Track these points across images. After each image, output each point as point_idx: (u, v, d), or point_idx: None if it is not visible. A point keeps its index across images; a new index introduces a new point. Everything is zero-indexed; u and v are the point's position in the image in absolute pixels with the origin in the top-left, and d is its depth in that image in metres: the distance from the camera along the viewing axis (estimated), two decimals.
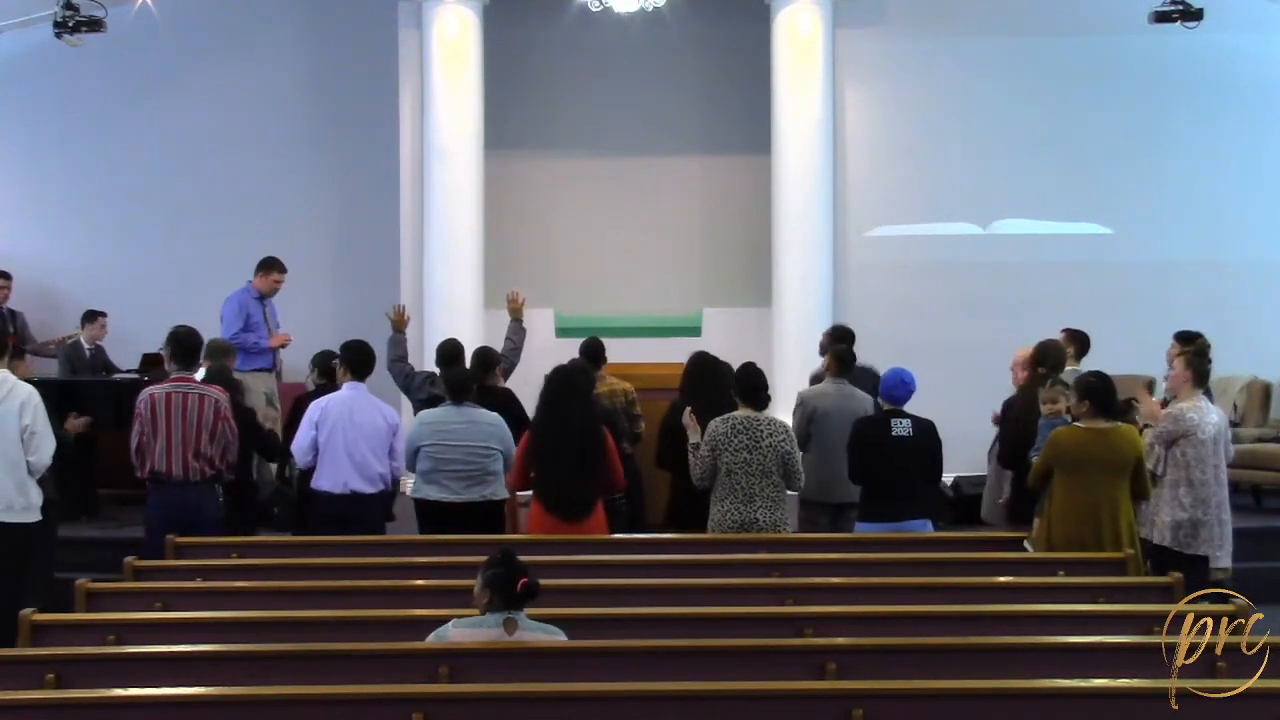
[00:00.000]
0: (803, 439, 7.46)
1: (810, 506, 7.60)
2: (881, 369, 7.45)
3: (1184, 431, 7.04)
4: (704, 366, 7.52)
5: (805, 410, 7.54)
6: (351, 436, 7.11)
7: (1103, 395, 6.66)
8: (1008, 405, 7.55)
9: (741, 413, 6.85)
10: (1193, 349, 7.64)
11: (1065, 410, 7.09)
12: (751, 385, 6.90)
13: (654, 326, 10.32)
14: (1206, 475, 7.09)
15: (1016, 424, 7.43)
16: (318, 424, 7.14)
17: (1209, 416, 7.17)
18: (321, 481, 7.17)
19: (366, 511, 7.15)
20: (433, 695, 4.31)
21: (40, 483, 6.92)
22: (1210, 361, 7.63)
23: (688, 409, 6.99)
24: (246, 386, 8.89)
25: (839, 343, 8.19)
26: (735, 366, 7.19)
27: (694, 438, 6.88)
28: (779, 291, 11.46)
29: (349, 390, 7.28)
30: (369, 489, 7.15)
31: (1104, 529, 6.54)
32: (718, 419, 6.84)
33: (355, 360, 7.36)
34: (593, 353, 8.19)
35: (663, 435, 7.52)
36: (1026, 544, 6.81)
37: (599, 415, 7.16)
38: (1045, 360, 7.59)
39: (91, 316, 10.78)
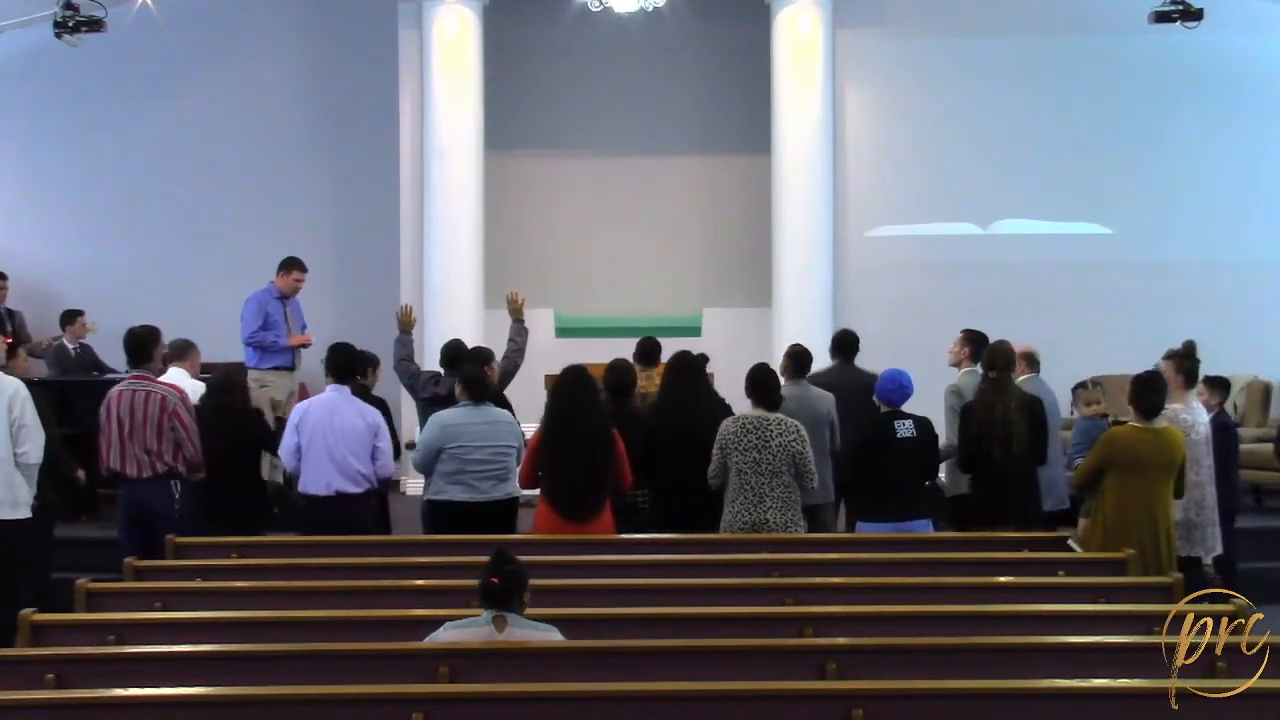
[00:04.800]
0: None
1: None
2: (881, 369, 7.44)
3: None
4: (686, 366, 7.46)
5: None
6: (331, 439, 7.11)
7: (1145, 394, 6.64)
8: (966, 409, 7.45)
9: (752, 413, 6.81)
10: (1180, 350, 7.60)
11: (1105, 412, 7.07)
12: (764, 386, 6.87)
13: (654, 326, 10.31)
14: (1201, 476, 7.09)
15: (981, 427, 7.23)
16: (299, 427, 7.16)
17: (1200, 417, 7.18)
18: (306, 484, 7.19)
19: (354, 512, 7.15)
20: (433, 695, 4.31)
21: (40, 486, 6.95)
22: (1199, 361, 7.59)
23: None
24: (267, 383, 8.98)
25: (846, 351, 8.23)
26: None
27: None
28: (779, 291, 11.47)
29: (331, 392, 7.30)
30: (354, 489, 7.16)
31: (1160, 526, 6.59)
32: (728, 419, 6.83)
33: (336, 363, 7.39)
34: (646, 352, 8.20)
35: (647, 437, 7.35)
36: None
37: (612, 415, 7.13)
38: (995, 363, 7.31)
39: (71, 316, 10.73)
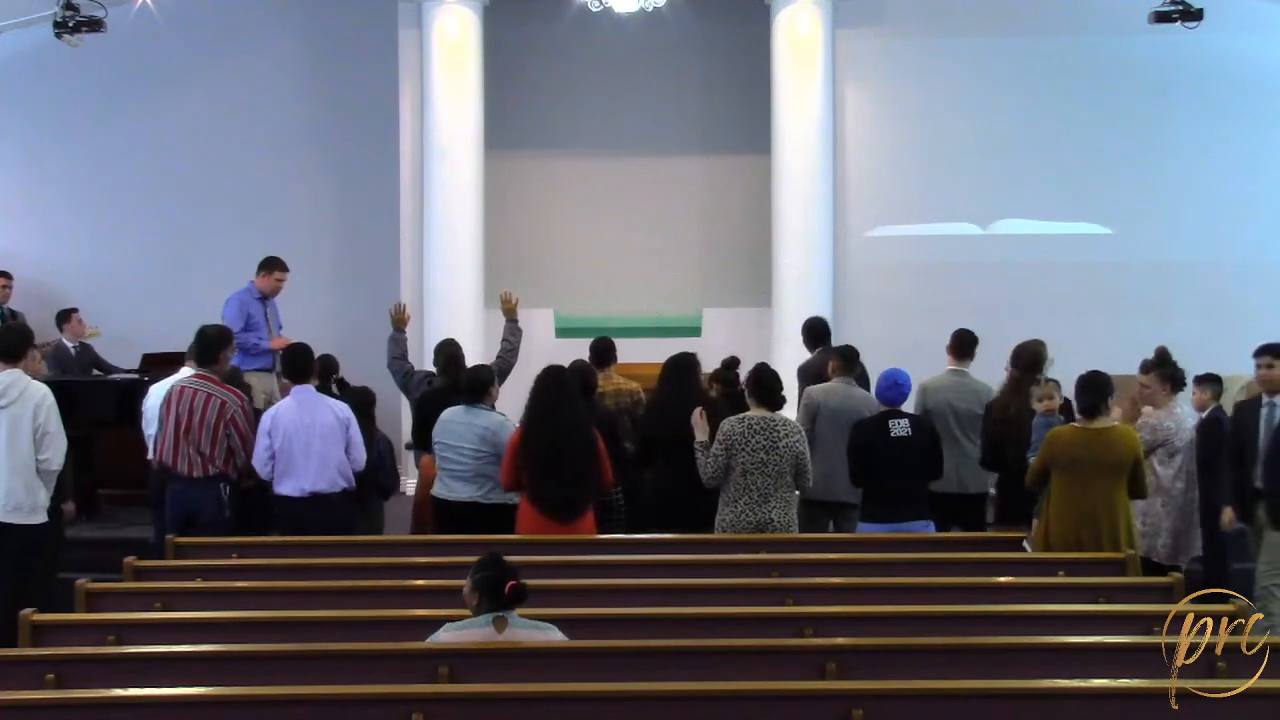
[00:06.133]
0: (808, 437, 7.44)
1: (811, 505, 7.60)
2: (881, 369, 7.44)
3: (1161, 440, 7.02)
4: (680, 368, 7.46)
5: (811, 408, 7.53)
6: (303, 439, 7.10)
7: (1082, 394, 6.62)
8: (988, 408, 7.51)
9: (756, 413, 6.79)
10: (1154, 360, 7.61)
11: (1059, 408, 7.07)
12: (768, 386, 6.86)
13: (654, 326, 10.34)
14: (1184, 483, 7.07)
15: (998, 426, 7.36)
16: (270, 433, 7.15)
17: (1185, 423, 7.17)
18: (282, 487, 7.16)
19: (330, 512, 7.13)
20: (433, 695, 4.31)
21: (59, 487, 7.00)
22: (1178, 365, 7.60)
23: (698, 409, 6.95)
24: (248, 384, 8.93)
25: (824, 337, 8.24)
26: (770, 366, 7.14)
27: (700, 436, 6.84)
28: (779, 291, 11.47)
29: (295, 394, 7.29)
30: (329, 489, 7.14)
31: (1102, 529, 6.50)
32: (732, 419, 6.79)
33: (291, 367, 7.42)
34: (600, 352, 8.18)
35: (643, 437, 7.46)
36: (1026, 544, 6.80)
37: (589, 415, 7.13)
38: (1020, 361, 7.48)
39: (66, 315, 10.63)
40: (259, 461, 7.19)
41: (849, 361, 7.68)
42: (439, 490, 7.22)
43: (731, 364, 8.35)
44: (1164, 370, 7.31)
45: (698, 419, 6.88)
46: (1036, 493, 6.86)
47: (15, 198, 12.29)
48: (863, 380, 7.86)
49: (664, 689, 4.37)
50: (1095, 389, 6.60)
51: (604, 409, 7.66)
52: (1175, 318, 10.42)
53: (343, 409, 7.30)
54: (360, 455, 7.27)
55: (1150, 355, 7.75)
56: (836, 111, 11.63)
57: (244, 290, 9.23)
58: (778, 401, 6.88)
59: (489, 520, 7.03)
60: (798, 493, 6.95)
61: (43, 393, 6.76)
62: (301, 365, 7.37)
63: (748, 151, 12.01)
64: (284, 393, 7.95)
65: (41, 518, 6.80)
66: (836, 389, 7.58)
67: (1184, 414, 7.27)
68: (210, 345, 7.24)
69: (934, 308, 11.52)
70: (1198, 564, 7.52)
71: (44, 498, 6.80)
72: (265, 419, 7.25)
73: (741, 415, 6.82)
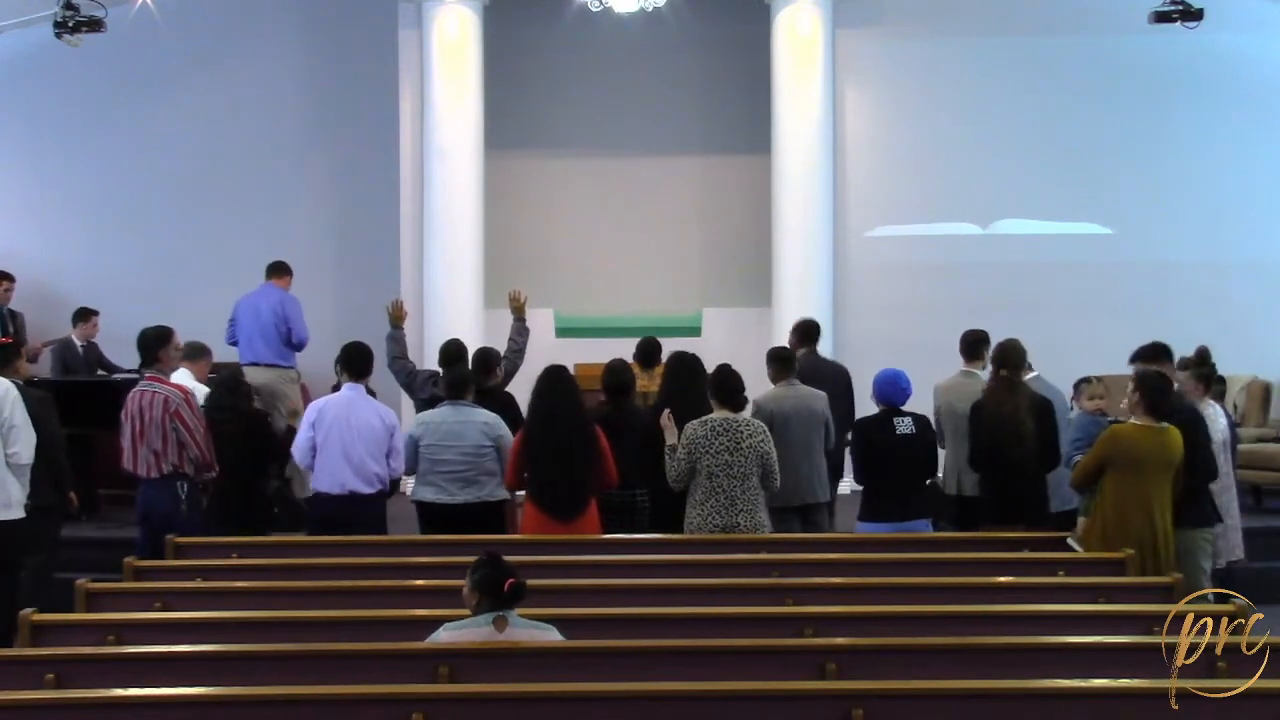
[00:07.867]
0: None
1: (778, 512, 7.57)
2: (881, 370, 7.43)
3: None
4: (685, 367, 7.46)
5: (763, 416, 7.40)
6: (348, 438, 7.11)
7: (1158, 395, 6.61)
8: (976, 408, 7.44)
9: (719, 415, 6.74)
10: (1193, 358, 7.61)
11: (1106, 410, 7.06)
12: (730, 388, 6.80)
13: (654, 326, 10.33)
14: (1226, 481, 7.06)
15: (990, 425, 7.25)
16: (314, 425, 7.16)
17: (1220, 421, 7.16)
18: (319, 483, 7.18)
19: (365, 512, 7.15)
20: (433, 695, 4.31)
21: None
22: (1214, 366, 7.61)
23: (665, 410, 6.92)
24: (272, 390, 9.05)
25: (796, 337, 8.28)
26: (732, 366, 7.10)
27: (670, 439, 6.80)
28: (779, 291, 11.47)
29: (347, 391, 7.30)
30: (367, 489, 7.15)
31: (1158, 525, 6.53)
32: (695, 421, 6.74)
33: (352, 361, 7.36)
34: (647, 352, 8.24)
35: (644, 441, 7.45)
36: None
37: (588, 412, 7.13)
38: (1009, 360, 7.35)
39: (84, 315, 10.71)
40: (299, 450, 7.23)
41: (785, 364, 7.63)
42: (425, 494, 7.18)
43: None
44: (1200, 370, 7.33)
45: (665, 421, 6.87)
46: (1083, 491, 6.83)
47: (16, 198, 12.27)
48: (833, 368, 7.84)
49: (664, 689, 4.37)
50: (1167, 391, 6.65)
51: (637, 409, 7.59)
52: (1175, 318, 10.39)
53: (389, 415, 7.32)
54: (399, 465, 7.27)
55: (1185, 357, 7.75)
56: (836, 111, 11.63)
57: (285, 294, 9.47)
58: (740, 403, 6.84)
59: (483, 519, 7.03)
60: (764, 493, 6.86)
61: (5, 387, 6.74)
62: (360, 364, 7.37)
63: (748, 151, 12.01)
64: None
65: (17, 513, 6.75)
66: (784, 394, 7.50)
67: (1215, 414, 7.26)
68: (150, 345, 7.29)
69: (934, 308, 11.53)
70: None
71: (18, 493, 6.76)
72: (311, 410, 7.28)
73: (704, 418, 6.76)
